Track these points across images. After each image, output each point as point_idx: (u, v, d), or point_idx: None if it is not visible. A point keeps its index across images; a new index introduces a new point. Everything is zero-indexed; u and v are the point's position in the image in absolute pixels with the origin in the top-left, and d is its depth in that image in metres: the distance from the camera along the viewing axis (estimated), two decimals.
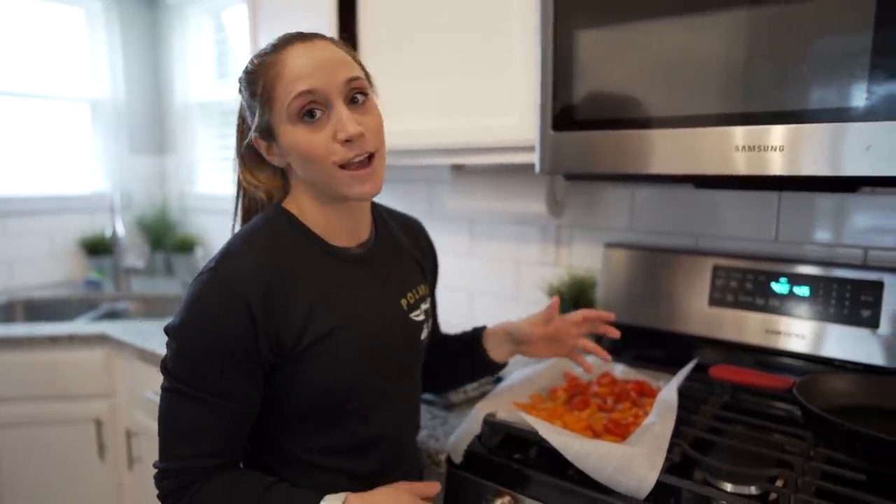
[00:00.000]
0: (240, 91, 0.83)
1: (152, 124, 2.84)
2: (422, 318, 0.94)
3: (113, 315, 2.30)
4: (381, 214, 0.97)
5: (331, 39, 0.82)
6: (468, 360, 1.07)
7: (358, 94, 0.79)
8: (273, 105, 0.77)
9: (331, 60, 0.77)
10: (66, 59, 2.55)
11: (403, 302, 0.91)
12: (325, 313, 0.80)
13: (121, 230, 2.43)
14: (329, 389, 0.81)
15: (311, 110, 0.75)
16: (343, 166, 0.77)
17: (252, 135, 0.82)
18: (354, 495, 0.79)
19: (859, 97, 0.83)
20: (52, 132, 2.54)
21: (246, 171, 0.87)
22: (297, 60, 0.75)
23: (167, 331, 0.77)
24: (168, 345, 0.77)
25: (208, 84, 2.70)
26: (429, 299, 0.98)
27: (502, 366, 1.08)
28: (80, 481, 1.88)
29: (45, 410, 1.83)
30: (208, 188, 2.76)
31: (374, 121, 0.80)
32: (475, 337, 1.07)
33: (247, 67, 0.81)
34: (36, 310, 2.28)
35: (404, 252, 0.96)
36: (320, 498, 0.77)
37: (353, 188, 0.78)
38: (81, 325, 1.92)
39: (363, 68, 0.84)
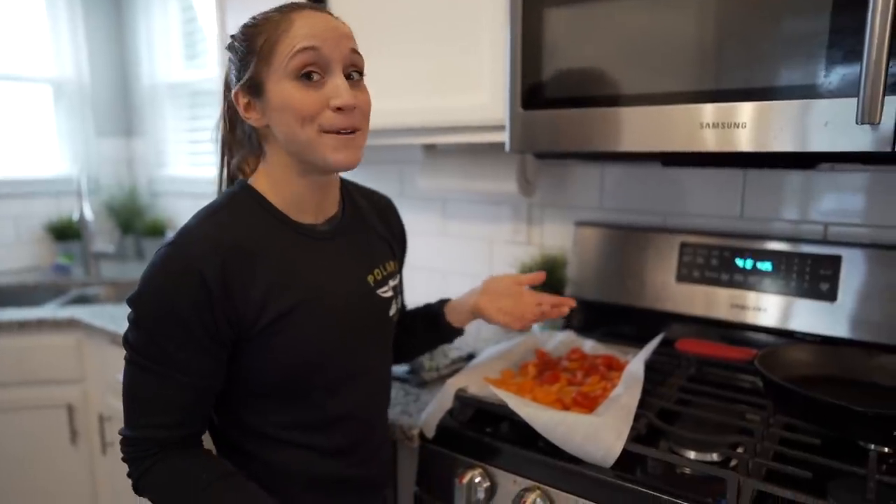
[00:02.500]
0: (231, 47, 0.82)
1: (119, 106, 2.78)
2: (390, 294, 0.94)
3: (83, 300, 2.27)
4: (349, 192, 0.97)
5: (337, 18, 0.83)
6: (429, 327, 1.09)
7: (355, 71, 0.80)
8: (271, 59, 0.76)
9: (338, 29, 0.78)
10: (27, 38, 2.47)
11: (370, 278, 0.91)
12: (288, 289, 0.80)
13: (88, 214, 2.38)
14: (294, 364, 0.82)
15: (309, 73, 0.76)
16: (326, 132, 0.77)
17: (235, 88, 0.81)
18: None
19: (818, 75, 0.86)
20: (14, 114, 2.46)
21: (230, 135, 0.89)
22: (307, 21, 0.76)
23: (128, 302, 0.78)
24: (128, 317, 0.78)
25: (176, 65, 2.65)
26: (397, 276, 0.99)
27: (461, 331, 1.09)
28: (53, 467, 1.86)
29: (16, 396, 1.81)
30: (178, 171, 2.71)
31: (366, 100, 0.82)
32: (439, 308, 1.09)
33: (246, 23, 0.80)
34: (3, 296, 2.24)
35: (372, 229, 0.97)
36: None
37: (334, 154, 0.78)
38: (51, 310, 1.89)
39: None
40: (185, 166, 2.70)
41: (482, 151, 1.54)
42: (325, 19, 0.78)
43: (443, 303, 1.10)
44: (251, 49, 0.78)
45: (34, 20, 2.50)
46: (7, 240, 2.44)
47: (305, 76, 0.76)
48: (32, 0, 2.48)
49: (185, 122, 2.67)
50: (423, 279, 1.87)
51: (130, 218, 2.70)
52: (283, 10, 0.79)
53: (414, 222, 1.86)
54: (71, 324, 1.80)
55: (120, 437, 0.80)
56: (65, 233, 2.51)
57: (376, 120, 1.41)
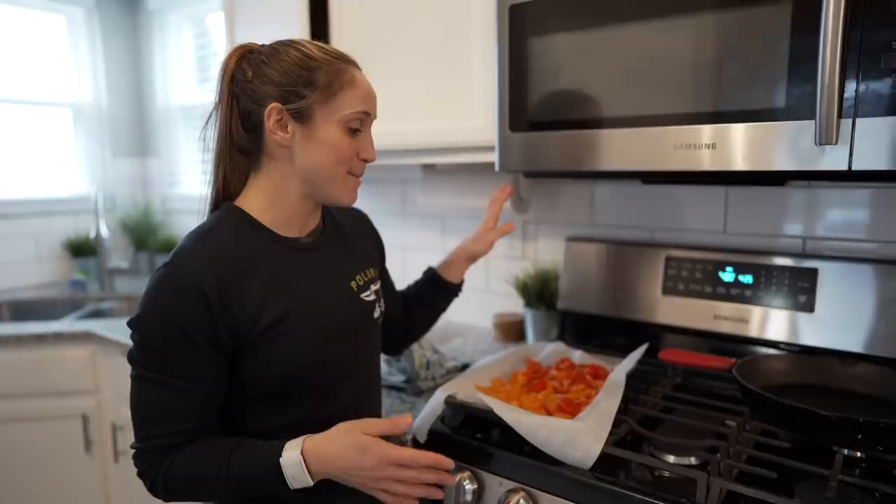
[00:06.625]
0: (266, 63, 0.87)
1: (135, 128, 2.89)
2: (372, 297, 1.02)
3: (98, 314, 2.35)
4: (327, 209, 1.05)
5: None
6: (437, 291, 1.22)
7: None
8: (331, 102, 0.87)
9: (376, 95, 0.94)
10: (49, 65, 2.60)
11: (353, 284, 0.99)
12: (279, 298, 0.88)
13: (104, 232, 2.47)
14: (288, 368, 0.88)
15: (356, 128, 0.90)
16: (351, 174, 0.93)
17: (274, 102, 0.86)
18: (311, 438, 0.85)
19: (780, 99, 0.91)
20: (36, 137, 2.58)
21: (230, 148, 0.93)
22: (364, 83, 0.91)
23: (130, 324, 0.85)
24: (132, 336, 0.85)
25: (189, 88, 2.75)
26: (378, 282, 1.07)
27: (462, 285, 1.24)
28: (68, 475, 1.93)
29: (33, 407, 1.89)
30: (190, 190, 2.81)
31: None
32: (434, 274, 1.22)
33: (307, 52, 0.87)
34: (22, 310, 2.33)
35: (351, 240, 1.05)
36: (282, 447, 0.84)
37: (349, 194, 0.94)
38: (67, 324, 1.97)
39: None
40: (197, 185, 2.77)
41: (478, 171, 1.60)
42: (370, 84, 0.92)
43: (433, 270, 1.23)
44: (310, 81, 0.86)
45: (55, 48, 2.62)
46: (28, 256, 2.54)
47: (354, 129, 0.90)
48: (54, 28, 2.60)
49: (198, 143, 2.76)
50: None
51: (144, 235, 2.80)
52: (343, 60, 0.89)
53: (414, 239, 1.93)
54: (86, 336, 1.88)
55: (133, 452, 0.86)
56: (82, 249, 2.61)
57: (378, 141, 1.50)
